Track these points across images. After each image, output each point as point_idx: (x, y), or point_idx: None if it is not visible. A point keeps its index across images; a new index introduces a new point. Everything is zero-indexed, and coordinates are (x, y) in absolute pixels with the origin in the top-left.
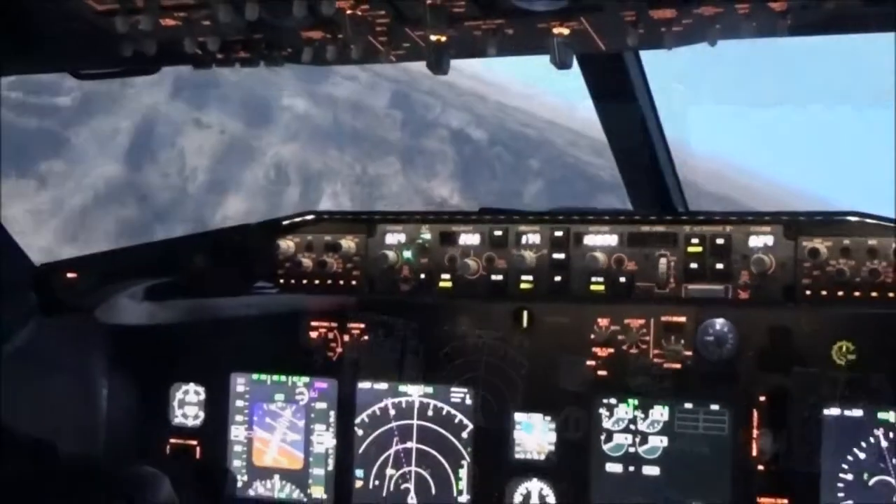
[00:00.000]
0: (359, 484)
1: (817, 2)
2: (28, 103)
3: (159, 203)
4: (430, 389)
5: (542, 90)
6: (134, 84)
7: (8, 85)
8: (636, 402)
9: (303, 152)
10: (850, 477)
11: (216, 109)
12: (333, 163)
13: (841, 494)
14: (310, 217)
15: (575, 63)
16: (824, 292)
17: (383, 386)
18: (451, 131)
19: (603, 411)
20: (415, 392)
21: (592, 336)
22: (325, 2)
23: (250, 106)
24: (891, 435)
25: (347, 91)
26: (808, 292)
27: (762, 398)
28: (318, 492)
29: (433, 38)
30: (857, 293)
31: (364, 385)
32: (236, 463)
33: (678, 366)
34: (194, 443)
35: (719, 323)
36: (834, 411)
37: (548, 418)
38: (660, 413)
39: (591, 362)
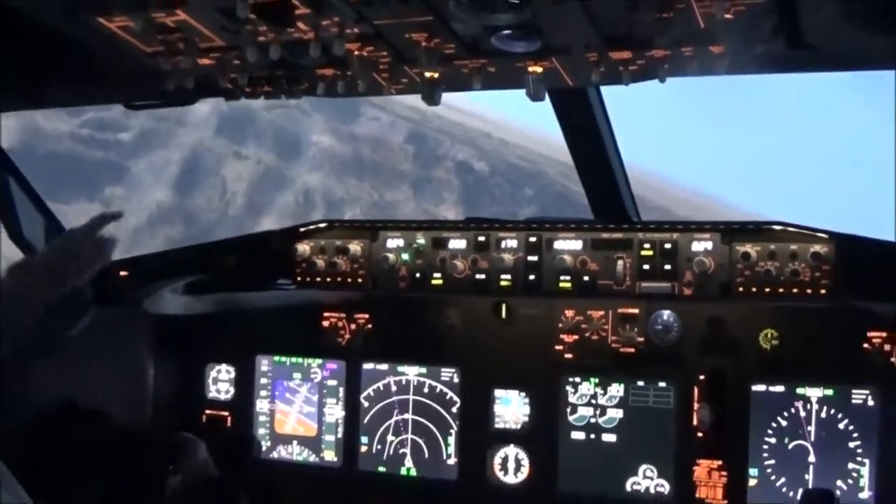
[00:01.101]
0: (364, 449)
1: (749, 46)
2: (95, 138)
3: (204, 223)
4: (423, 370)
5: (540, 129)
6: (184, 123)
7: (80, 123)
8: (597, 380)
9: (327, 181)
10: (773, 441)
11: (254, 144)
12: (354, 190)
13: (765, 455)
14: (323, 225)
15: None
16: (754, 289)
17: (384, 366)
18: (457, 163)
19: (569, 388)
20: (411, 372)
21: (560, 325)
22: (337, 44)
23: (283, 141)
24: (807, 406)
25: (369, 129)
26: (740, 289)
27: (702, 377)
28: (329, 455)
29: (427, 74)
30: (781, 290)
31: (368, 366)
32: (261, 431)
33: (632, 350)
34: (226, 414)
35: (666, 314)
36: (760, 387)
37: (523, 394)
38: (616, 389)
39: (558, 347)
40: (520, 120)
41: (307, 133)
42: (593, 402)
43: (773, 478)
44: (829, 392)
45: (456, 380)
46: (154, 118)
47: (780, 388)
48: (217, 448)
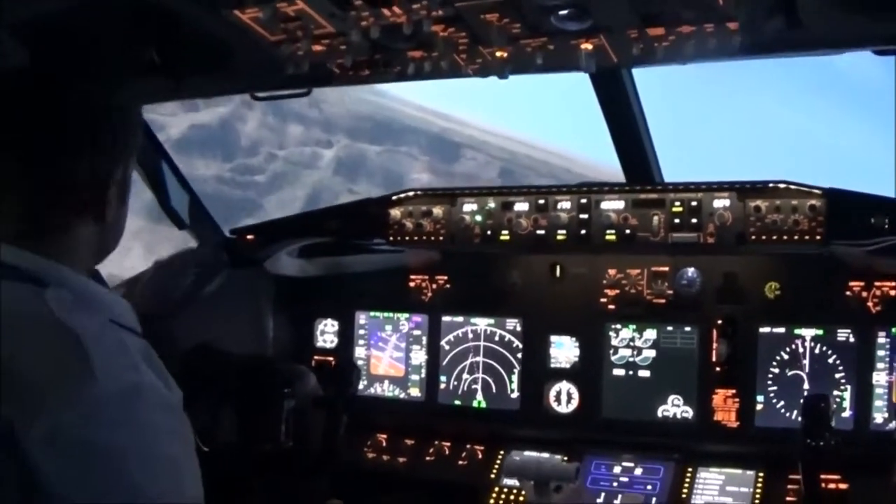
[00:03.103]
0: (443, 386)
1: (755, 24)
2: (237, 180)
3: None
4: (492, 321)
5: (612, 164)
6: (310, 166)
7: (229, 168)
8: (634, 326)
9: None
10: (776, 372)
11: (364, 182)
12: None
13: (769, 384)
14: (411, 193)
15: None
16: (763, 237)
17: (460, 319)
18: None
19: (611, 333)
20: (482, 323)
21: (604, 281)
22: (425, 23)
23: (389, 179)
24: (803, 344)
25: (467, 167)
26: (752, 237)
27: (719, 321)
28: (414, 391)
29: (498, 53)
30: (785, 237)
31: (447, 318)
32: None
33: (663, 301)
34: (331, 359)
35: (690, 271)
36: (766, 329)
37: (573, 339)
38: (650, 334)
39: (603, 299)
40: (595, 158)
41: (409, 172)
42: (631, 344)
43: (774, 401)
44: (820, 332)
45: (518, 328)
46: (287, 163)
47: (781, 330)
48: (327, 375)
